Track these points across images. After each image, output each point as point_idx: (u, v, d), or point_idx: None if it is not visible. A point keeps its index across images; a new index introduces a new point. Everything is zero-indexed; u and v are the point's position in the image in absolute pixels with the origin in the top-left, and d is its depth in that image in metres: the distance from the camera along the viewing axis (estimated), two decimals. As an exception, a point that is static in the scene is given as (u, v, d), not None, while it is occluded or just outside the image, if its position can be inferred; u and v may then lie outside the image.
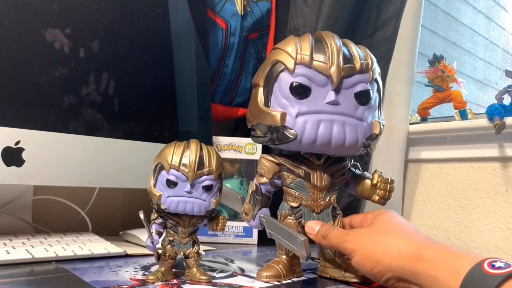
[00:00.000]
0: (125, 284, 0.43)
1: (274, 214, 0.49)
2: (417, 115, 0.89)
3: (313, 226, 0.46)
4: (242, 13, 0.87)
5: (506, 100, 0.75)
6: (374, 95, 0.46)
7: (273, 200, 0.50)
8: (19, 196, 0.67)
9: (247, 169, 0.82)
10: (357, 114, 0.45)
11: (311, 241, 0.46)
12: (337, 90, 0.43)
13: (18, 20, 0.53)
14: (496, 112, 0.72)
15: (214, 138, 0.78)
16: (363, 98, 0.45)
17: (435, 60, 0.85)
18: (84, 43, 0.58)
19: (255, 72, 0.48)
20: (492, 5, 1.13)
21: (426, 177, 0.86)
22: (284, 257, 0.48)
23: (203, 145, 0.47)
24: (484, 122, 0.75)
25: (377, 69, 0.47)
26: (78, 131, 0.57)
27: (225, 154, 0.79)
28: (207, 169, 0.46)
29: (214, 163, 0.46)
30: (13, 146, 0.52)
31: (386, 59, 0.80)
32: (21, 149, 0.53)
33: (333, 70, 0.43)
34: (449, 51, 1.13)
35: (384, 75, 0.79)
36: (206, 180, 0.46)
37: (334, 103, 0.43)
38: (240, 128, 0.96)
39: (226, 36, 0.85)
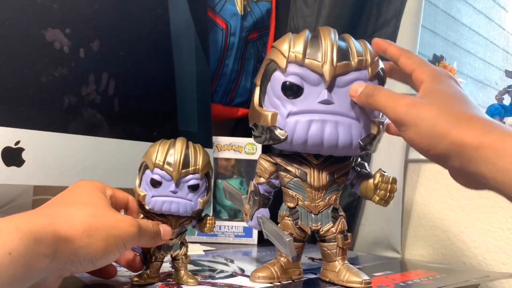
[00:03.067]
0: (125, 284, 0.43)
1: (275, 215, 0.49)
2: (417, 115, 0.89)
3: (356, 88, 0.42)
4: (242, 13, 0.87)
5: (506, 100, 0.75)
6: None
7: (274, 200, 0.50)
8: (19, 196, 0.67)
9: (247, 169, 0.82)
10: (353, 114, 0.43)
11: (298, 242, 0.45)
12: (330, 89, 0.42)
13: (18, 20, 0.53)
14: (496, 112, 0.72)
15: (214, 138, 0.78)
16: None
17: (435, 60, 0.85)
18: (84, 43, 0.58)
19: (255, 72, 0.47)
20: (492, 5, 1.13)
21: (426, 177, 0.86)
22: (282, 259, 0.47)
23: (190, 143, 0.45)
24: (484, 122, 0.75)
25: (378, 64, 0.44)
26: (78, 131, 0.57)
27: (225, 154, 0.79)
28: (192, 168, 0.44)
29: (200, 161, 0.44)
30: (13, 146, 0.52)
31: (386, 59, 0.80)
32: (21, 149, 0.52)
33: (326, 68, 0.41)
34: (449, 51, 1.13)
35: (384, 75, 0.79)
36: (192, 180, 0.44)
37: (326, 102, 0.42)
38: (240, 128, 0.96)
39: (226, 36, 0.85)
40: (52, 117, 0.55)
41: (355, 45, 0.44)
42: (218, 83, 0.87)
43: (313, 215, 0.46)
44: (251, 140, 0.78)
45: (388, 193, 0.45)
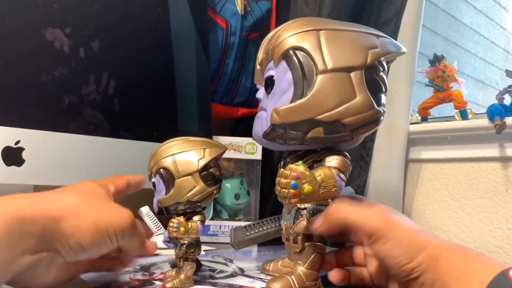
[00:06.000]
0: (125, 284, 0.43)
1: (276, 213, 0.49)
2: (417, 115, 0.89)
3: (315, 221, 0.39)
4: (243, 12, 0.87)
5: (507, 100, 0.75)
6: (281, 78, 0.38)
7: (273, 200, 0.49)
8: (19, 196, 0.67)
9: (247, 169, 0.82)
10: (265, 105, 0.41)
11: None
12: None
13: (18, 20, 0.53)
14: (496, 112, 0.72)
15: (214, 138, 0.78)
16: (267, 87, 0.41)
17: (436, 60, 0.85)
18: (84, 43, 0.58)
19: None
20: (493, 5, 1.13)
21: (426, 177, 0.86)
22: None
23: (166, 144, 0.46)
24: (484, 122, 0.75)
25: (285, 44, 0.38)
26: (78, 131, 0.57)
27: (225, 154, 0.79)
28: (150, 167, 0.46)
29: (155, 159, 0.45)
30: (13, 146, 0.52)
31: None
32: (21, 149, 0.52)
33: (257, 68, 0.43)
34: (449, 51, 1.13)
35: (384, 75, 0.79)
36: (152, 179, 0.46)
37: (258, 99, 0.43)
38: (240, 128, 0.96)
39: (226, 36, 0.85)
40: (52, 117, 0.55)
41: (275, 33, 0.40)
42: (218, 83, 0.87)
43: (287, 214, 0.43)
44: (251, 140, 0.78)
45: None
